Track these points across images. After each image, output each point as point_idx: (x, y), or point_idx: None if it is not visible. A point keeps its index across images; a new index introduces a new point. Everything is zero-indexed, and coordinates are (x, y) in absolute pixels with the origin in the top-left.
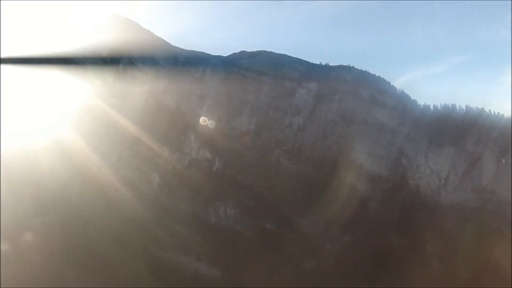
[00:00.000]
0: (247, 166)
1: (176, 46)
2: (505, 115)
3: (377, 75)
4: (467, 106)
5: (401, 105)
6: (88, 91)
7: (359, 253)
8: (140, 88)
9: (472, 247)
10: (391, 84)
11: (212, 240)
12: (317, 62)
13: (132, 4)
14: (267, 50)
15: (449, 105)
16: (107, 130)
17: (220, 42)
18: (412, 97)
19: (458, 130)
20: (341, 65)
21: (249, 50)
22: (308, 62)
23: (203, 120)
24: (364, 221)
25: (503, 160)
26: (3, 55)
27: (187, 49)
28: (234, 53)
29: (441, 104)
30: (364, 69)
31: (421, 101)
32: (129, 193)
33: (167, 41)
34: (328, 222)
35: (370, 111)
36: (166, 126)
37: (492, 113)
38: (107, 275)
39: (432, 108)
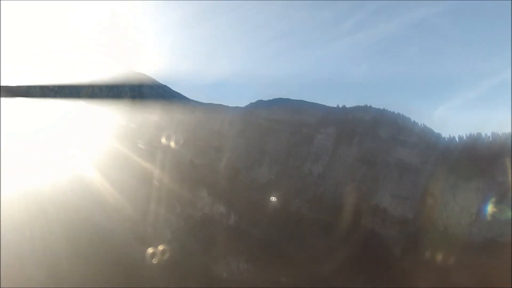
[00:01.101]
0: (265, 218)
1: (194, 100)
2: None
3: (396, 112)
4: (493, 133)
5: (423, 141)
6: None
7: None
8: (154, 143)
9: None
10: (412, 120)
11: None
12: (335, 105)
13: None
14: (284, 98)
15: (475, 133)
16: (119, 188)
17: (237, 93)
18: (436, 131)
19: (485, 160)
20: (358, 105)
21: (265, 99)
22: (325, 106)
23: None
24: (389, 268)
25: None
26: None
27: (205, 102)
28: (251, 103)
29: (466, 134)
30: (382, 108)
31: (446, 134)
32: (141, 250)
33: (185, 95)
34: (351, 272)
35: (391, 151)
36: (180, 181)
37: None
38: None
39: (457, 139)
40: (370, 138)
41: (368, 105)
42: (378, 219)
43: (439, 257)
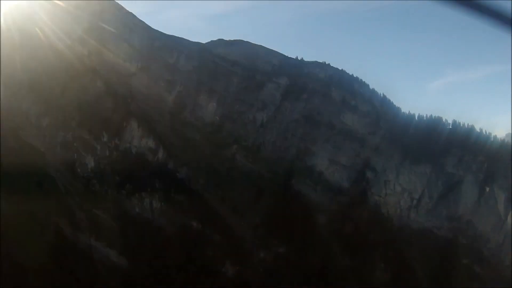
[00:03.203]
0: (195, 160)
1: (155, 30)
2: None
3: (354, 75)
4: (454, 122)
5: (376, 111)
6: None
7: (293, 268)
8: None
9: (432, 282)
10: (371, 87)
11: (129, 230)
12: (293, 56)
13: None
14: (244, 40)
15: (436, 116)
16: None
17: (199, 27)
18: (397, 104)
19: (440, 148)
20: (316, 61)
21: (226, 38)
22: (283, 55)
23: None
24: (309, 234)
25: (487, 189)
26: None
27: (166, 33)
28: (212, 41)
29: (427, 115)
30: (340, 68)
31: (406, 110)
32: (64, 173)
33: (148, 24)
34: (267, 229)
35: (339, 114)
36: (112, 109)
37: (484, 132)
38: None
39: (416, 118)
40: (320, 97)
41: (326, 63)
42: (311, 181)
43: (363, 234)
